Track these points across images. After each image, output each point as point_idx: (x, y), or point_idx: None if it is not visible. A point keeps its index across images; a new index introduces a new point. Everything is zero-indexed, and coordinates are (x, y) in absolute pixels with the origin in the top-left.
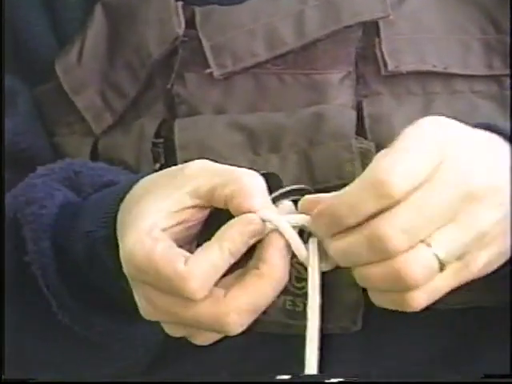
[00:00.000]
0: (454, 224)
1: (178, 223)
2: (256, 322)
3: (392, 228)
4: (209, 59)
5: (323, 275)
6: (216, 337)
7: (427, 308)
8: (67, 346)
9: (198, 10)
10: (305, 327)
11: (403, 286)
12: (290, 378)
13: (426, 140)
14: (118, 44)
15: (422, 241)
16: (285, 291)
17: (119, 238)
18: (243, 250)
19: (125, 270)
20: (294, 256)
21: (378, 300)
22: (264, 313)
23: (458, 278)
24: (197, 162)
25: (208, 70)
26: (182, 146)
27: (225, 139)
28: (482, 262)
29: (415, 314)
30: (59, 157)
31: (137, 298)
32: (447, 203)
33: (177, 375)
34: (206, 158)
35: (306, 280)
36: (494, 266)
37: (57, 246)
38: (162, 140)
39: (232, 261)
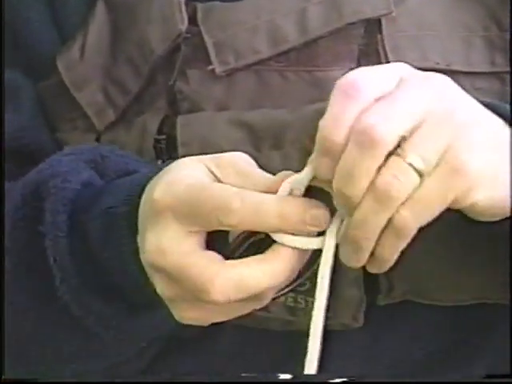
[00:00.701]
0: (425, 126)
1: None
2: (257, 318)
3: (374, 118)
4: (211, 56)
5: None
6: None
7: (428, 305)
8: (61, 325)
9: (200, 6)
10: (306, 324)
11: (389, 207)
12: (292, 378)
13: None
14: (120, 40)
15: (395, 154)
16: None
17: (147, 195)
18: (296, 224)
19: (148, 206)
20: None
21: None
22: (265, 310)
23: (448, 185)
24: (233, 154)
25: (210, 67)
26: (184, 143)
27: (227, 136)
28: (475, 165)
29: (417, 310)
30: None
31: (148, 239)
32: (417, 100)
33: (176, 374)
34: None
35: (308, 277)
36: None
37: (73, 222)
38: (164, 136)
39: (278, 224)
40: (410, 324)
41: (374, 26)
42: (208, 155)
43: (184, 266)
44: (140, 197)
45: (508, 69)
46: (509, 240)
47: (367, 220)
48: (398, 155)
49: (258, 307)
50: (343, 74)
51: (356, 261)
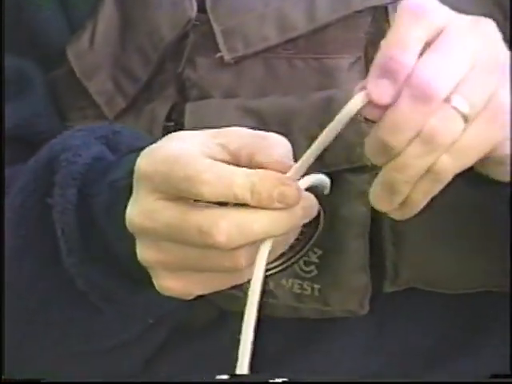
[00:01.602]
0: (473, 72)
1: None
2: (263, 305)
3: (428, 72)
4: (219, 43)
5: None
6: (192, 266)
7: (433, 293)
8: (66, 302)
9: None
10: (312, 310)
11: (434, 151)
12: (230, 378)
13: None
14: (129, 28)
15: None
16: (293, 275)
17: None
18: (264, 199)
19: (135, 177)
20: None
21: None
22: (272, 296)
23: (491, 131)
24: (235, 127)
25: (219, 54)
26: (192, 130)
27: (235, 123)
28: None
29: (422, 298)
30: None
31: (132, 204)
32: (468, 48)
33: (174, 374)
34: None
35: (314, 264)
36: None
37: (82, 196)
38: (172, 123)
39: (248, 197)
40: (415, 312)
41: (381, 14)
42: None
43: (182, 218)
44: None
45: None
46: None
47: (410, 164)
48: (446, 101)
49: (239, 281)
50: (351, 63)
51: (389, 204)
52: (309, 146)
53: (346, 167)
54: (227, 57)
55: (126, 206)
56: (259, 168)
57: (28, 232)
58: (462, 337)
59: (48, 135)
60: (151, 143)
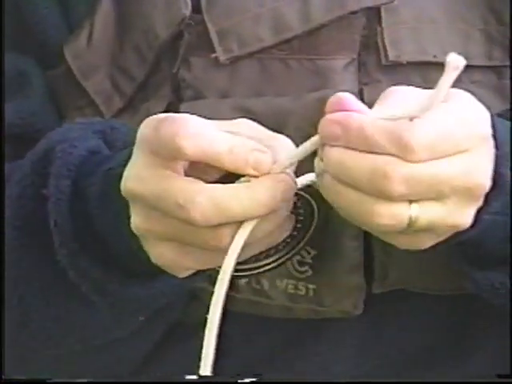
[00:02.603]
0: (441, 203)
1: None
2: (258, 305)
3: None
4: (214, 44)
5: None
6: (178, 238)
7: (428, 295)
8: (58, 291)
9: None
10: (306, 310)
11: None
12: (199, 378)
13: None
14: (126, 27)
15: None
16: (288, 275)
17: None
18: (240, 165)
19: (136, 142)
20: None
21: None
22: (266, 296)
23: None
24: (244, 119)
25: (213, 55)
26: None
27: None
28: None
29: (415, 299)
30: None
31: (127, 169)
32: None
33: (174, 372)
34: None
35: (308, 264)
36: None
37: (76, 187)
38: None
39: (227, 161)
40: (408, 313)
41: (374, 16)
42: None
43: (164, 187)
44: None
45: (506, 62)
46: None
47: None
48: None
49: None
50: (345, 64)
51: None
52: None
53: None
54: (222, 57)
55: (119, 195)
56: None
57: (25, 223)
58: (455, 338)
59: (46, 133)
60: None
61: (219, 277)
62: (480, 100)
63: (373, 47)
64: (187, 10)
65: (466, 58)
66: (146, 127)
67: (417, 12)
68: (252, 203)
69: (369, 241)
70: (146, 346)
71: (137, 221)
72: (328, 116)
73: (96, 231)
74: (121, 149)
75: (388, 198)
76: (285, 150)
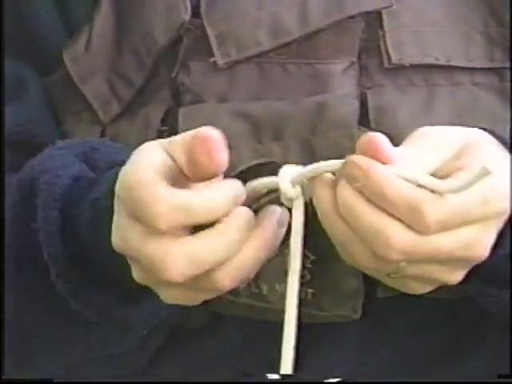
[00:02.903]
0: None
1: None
2: (256, 309)
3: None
4: (213, 48)
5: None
6: (179, 296)
7: (428, 298)
8: (60, 319)
9: None
10: (305, 315)
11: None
12: (282, 378)
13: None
14: (124, 32)
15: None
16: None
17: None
18: (221, 209)
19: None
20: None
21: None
22: (264, 300)
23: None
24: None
25: (212, 59)
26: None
27: (228, 127)
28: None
29: (416, 303)
30: None
31: (113, 230)
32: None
33: (174, 374)
34: None
35: (307, 268)
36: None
37: (65, 217)
38: (167, 128)
39: (206, 216)
40: (409, 317)
41: (375, 20)
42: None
43: (141, 245)
44: None
45: (507, 64)
46: None
47: None
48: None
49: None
50: (344, 68)
51: None
52: (301, 149)
53: None
54: (221, 61)
55: (110, 225)
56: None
57: (18, 254)
58: (456, 341)
59: (43, 139)
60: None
61: (289, 276)
62: (482, 102)
63: (374, 51)
64: (187, 15)
65: (468, 60)
66: (118, 189)
67: (418, 15)
68: (224, 247)
69: None
70: (147, 351)
71: (135, 274)
72: (354, 157)
73: (91, 258)
74: (104, 170)
75: (384, 260)
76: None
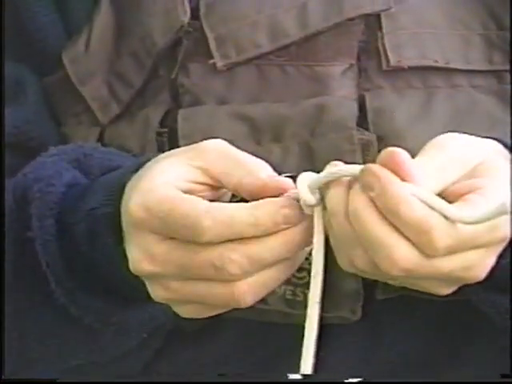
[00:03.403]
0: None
1: (189, 191)
2: (256, 311)
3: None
4: (212, 50)
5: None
6: (200, 300)
7: (426, 299)
8: (61, 326)
9: (201, 0)
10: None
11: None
12: (304, 378)
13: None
14: (124, 34)
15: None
16: (286, 281)
17: (125, 201)
18: (270, 227)
19: (127, 217)
20: None
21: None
22: (264, 302)
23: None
24: (212, 141)
25: (211, 61)
26: (184, 136)
27: (227, 129)
28: None
29: (415, 304)
30: None
31: (131, 250)
32: None
33: (174, 373)
34: None
35: (306, 270)
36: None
37: (61, 225)
38: (166, 129)
39: (252, 231)
40: (409, 318)
41: (374, 22)
42: (187, 147)
43: (194, 256)
44: (121, 195)
45: (506, 67)
46: None
47: None
48: None
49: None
50: (343, 70)
51: None
52: (300, 151)
53: None
54: (220, 63)
55: (107, 234)
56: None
57: (16, 261)
58: (455, 342)
59: (41, 141)
60: (125, 161)
61: (312, 278)
62: (480, 105)
63: (373, 53)
64: (186, 17)
65: (467, 62)
66: (142, 211)
67: (417, 17)
68: (283, 249)
69: None
70: (147, 352)
71: (156, 294)
72: (374, 166)
73: (89, 266)
74: (97, 176)
75: (383, 271)
76: (262, 171)
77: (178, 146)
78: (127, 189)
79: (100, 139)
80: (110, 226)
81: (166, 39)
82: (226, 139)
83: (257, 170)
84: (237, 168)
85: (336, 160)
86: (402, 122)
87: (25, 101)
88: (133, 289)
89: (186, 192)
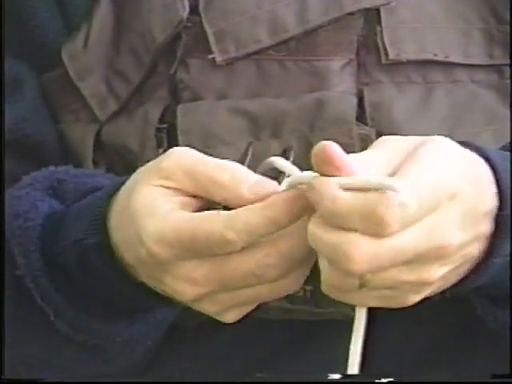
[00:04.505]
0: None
1: (185, 205)
2: (257, 307)
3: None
4: (212, 45)
5: None
6: (249, 303)
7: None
8: (67, 350)
9: None
10: (305, 312)
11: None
12: (341, 378)
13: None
14: (123, 30)
15: None
16: None
17: (124, 239)
18: (285, 222)
19: (151, 259)
20: None
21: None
22: None
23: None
24: (172, 159)
25: (211, 56)
26: (184, 131)
27: (227, 124)
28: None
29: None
30: (64, 144)
31: (170, 283)
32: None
33: (175, 373)
34: (208, 145)
35: None
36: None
37: (46, 257)
38: (165, 125)
39: (274, 229)
40: (407, 316)
41: (373, 17)
42: (149, 165)
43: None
44: (105, 222)
45: (506, 61)
46: None
47: None
48: None
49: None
50: (343, 64)
51: None
52: (299, 146)
53: None
54: (219, 58)
55: (99, 262)
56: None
57: (12, 301)
58: (456, 339)
59: (38, 138)
60: (98, 180)
61: None
62: (481, 99)
63: (372, 47)
64: (184, 12)
65: (466, 56)
66: (163, 246)
67: (416, 12)
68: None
69: None
70: (146, 352)
71: (207, 310)
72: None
73: (84, 293)
74: (73, 201)
75: (348, 274)
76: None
77: (177, 142)
78: (113, 222)
79: (98, 136)
80: (100, 255)
81: (165, 34)
82: (225, 134)
83: (236, 186)
84: (213, 187)
85: None
86: (400, 116)
87: (22, 97)
88: (133, 304)
89: (183, 206)
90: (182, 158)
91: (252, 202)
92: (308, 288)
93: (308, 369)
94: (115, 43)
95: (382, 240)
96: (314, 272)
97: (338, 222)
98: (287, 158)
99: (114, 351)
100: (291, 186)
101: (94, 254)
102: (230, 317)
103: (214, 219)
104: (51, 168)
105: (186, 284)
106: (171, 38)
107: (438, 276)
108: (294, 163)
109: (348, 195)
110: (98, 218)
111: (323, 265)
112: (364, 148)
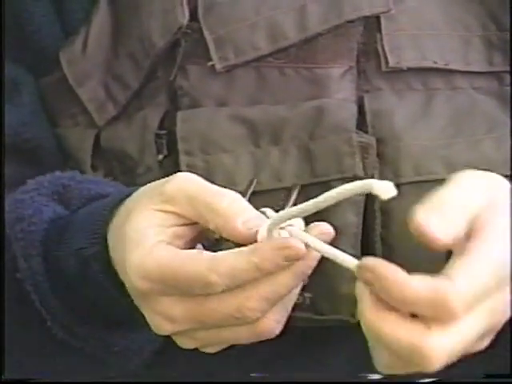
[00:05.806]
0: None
1: (177, 237)
2: None
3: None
4: (211, 52)
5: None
6: (228, 342)
7: None
8: (63, 357)
9: (200, 2)
10: (303, 319)
11: None
12: (382, 378)
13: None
14: (122, 35)
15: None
16: None
17: (117, 260)
18: (271, 269)
19: (133, 289)
20: None
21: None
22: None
23: None
24: (177, 183)
25: (210, 63)
26: (183, 138)
27: (226, 131)
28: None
29: None
30: (62, 148)
31: (149, 316)
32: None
33: (174, 373)
34: (208, 152)
35: None
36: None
37: (48, 262)
38: (164, 131)
39: (258, 275)
40: None
41: (373, 24)
42: (152, 186)
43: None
44: (106, 233)
45: (506, 68)
46: None
47: None
48: None
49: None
50: (342, 72)
51: None
52: (298, 154)
53: (337, 177)
54: (218, 65)
55: (98, 273)
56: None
57: (10, 305)
58: None
59: (36, 143)
60: (103, 187)
61: None
62: (481, 106)
63: (372, 54)
64: (184, 19)
65: (466, 63)
66: (144, 279)
67: (416, 19)
68: (296, 279)
69: (367, 250)
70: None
71: (184, 344)
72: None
73: (83, 300)
74: (77, 206)
75: (423, 370)
76: (237, 208)
77: (177, 148)
78: (111, 234)
79: (96, 141)
80: (99, 265)
81: (164, 40)
82: (224, 141)
83: (232, 216)
84: (210, 213)
85: (335, 162)
86: (401, 123)
87: (20, 102)
88: (131, 315)
89: (175, 238)
90: (185, 183)
91: (243, 236)
92: (307, 295)
93: (305, 372)
94: (114, 48)
95: (452, 329)
96: (314, 279)
97: (403, 308)
98: (290, 197)
99: (109, 362)
100: (276, 227)
101: (93, 263)
102: (210, 351)
103: (198, 259)
104: (57, 173)
105: (164, 320)
106: (170, 44)
107: (487, 343)
108: (293, 171)
109: (416, 282)
110: (99, 229)
111: (380, 353)
112: (364, 156)
